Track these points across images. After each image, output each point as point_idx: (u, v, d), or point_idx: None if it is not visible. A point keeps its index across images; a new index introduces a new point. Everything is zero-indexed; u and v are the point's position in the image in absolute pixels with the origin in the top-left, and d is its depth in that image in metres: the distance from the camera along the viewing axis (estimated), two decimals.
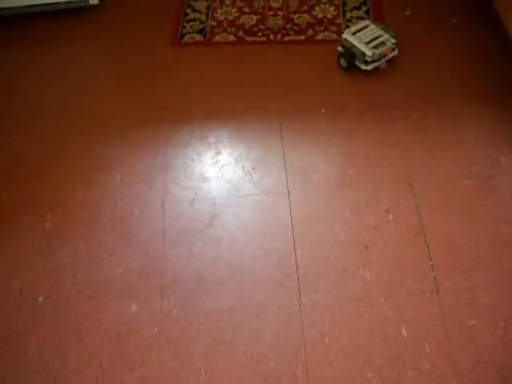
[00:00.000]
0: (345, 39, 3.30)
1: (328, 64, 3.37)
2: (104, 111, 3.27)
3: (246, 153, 2.98)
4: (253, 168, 2.90)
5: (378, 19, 3.55)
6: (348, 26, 3.43)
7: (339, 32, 3.52)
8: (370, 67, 3.27)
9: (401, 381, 2.24)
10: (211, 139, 3.06)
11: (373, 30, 3.33)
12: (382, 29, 3.34)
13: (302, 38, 3.53)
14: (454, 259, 2.57)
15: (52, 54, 3.62)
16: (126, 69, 3.52)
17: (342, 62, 3.31)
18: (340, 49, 3.32)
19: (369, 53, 3.21)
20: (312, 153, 2.95)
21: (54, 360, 2.40)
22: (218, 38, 3.58)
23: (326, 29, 3.57)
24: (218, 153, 2.99)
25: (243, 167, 2.91)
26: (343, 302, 2.46)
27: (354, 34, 3.30)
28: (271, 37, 3.54)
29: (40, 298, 2.56)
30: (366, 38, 3.28)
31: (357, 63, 3.28)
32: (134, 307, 2.50)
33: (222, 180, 2.88)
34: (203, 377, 2.30)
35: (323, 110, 3.12)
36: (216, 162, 2.95)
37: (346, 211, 2.71)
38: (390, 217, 2.68)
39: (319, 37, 3.53)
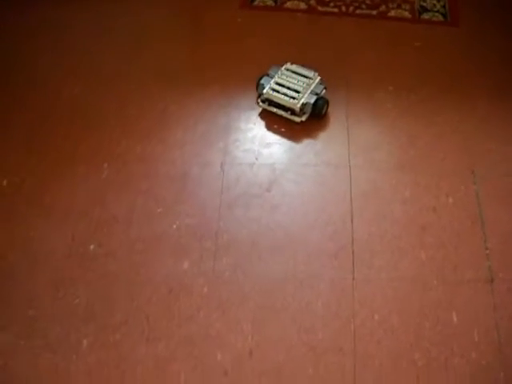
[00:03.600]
0: (308, 96, 2.93)
1: (398, 41, 3.31)
2: (168, 69, 3.26)
3: (310, 122, 2.94)
4: (316, 138, 2.87)
5: (454, 8, 3.48)
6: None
7: (412, 11, 3.45)
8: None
9: (447, 366, 2.21)
10: None
11: (287, 77, 3.01)
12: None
13: (374, 12, 3.48)
14: (510, 251, 2.52)
15: (115, 11, 3.62)
16: (193, 28, 3.49)
17: (325, 108, 2.97)
18: (311, 98, 2.91)
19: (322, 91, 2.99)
20: (376, 130, 2.91)
21: (101, 309, 2.40)
22: (288, 5, 3.54)
23: (399, 6, 3.51)
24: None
25: (306, 136, 2.88)
26: (396, 281, 2.43)
27: (297, 91, 2.95)
28: (343, 8, 3.49)
29: (91, 247, 2.56)
30: (300, 83, 2.98)
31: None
32: (186, 265, 2.50)
33: (284, 147, 2.86)
34: (249, 341, 2.29)
35: (391, 88, 3.07)
36: (279, 128, 2.92)
37: (405, 191, 2.68)
38: (450, 200, 2.64)
39: (392, 13, 3.47)
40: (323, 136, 2.90)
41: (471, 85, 3.10)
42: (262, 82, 2.95)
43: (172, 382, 2.22)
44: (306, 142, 2.87)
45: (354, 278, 2.43)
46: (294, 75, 2.99)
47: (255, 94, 3.02)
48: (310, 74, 3.00)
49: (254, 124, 2.96)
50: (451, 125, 2.91)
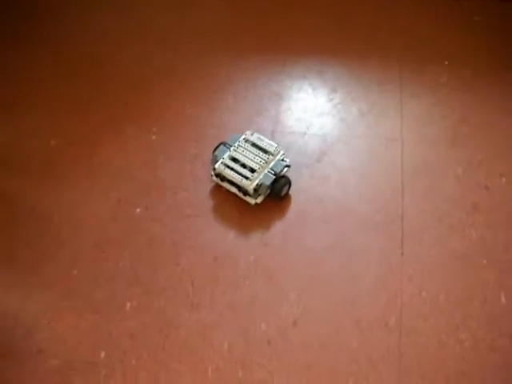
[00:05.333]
0: (269, 171, 2.56)
1: (457, 15, 3.24)
2: (220, 32, 3.24)
3: (363, 94, 2.91)
4: (368, 110, 2.83)
5: None
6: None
7: None
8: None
9: (494, 347, 2.17)
10: (329, 75, 2.99)
11: (244, 150, 2.61)
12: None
13: None
14: None
15: None
16: None
17: (286, 189, 2.60)
18: (268, 179, 2.53)
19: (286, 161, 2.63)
20: (430, 104, 2.85)
21: (145, 273, 2.40)
22: None
23: None
24: (334, 90, 2.91)
25: (359, 108, 2.84)
26: (445, 258, 2.39)
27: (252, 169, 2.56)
28: None
29: (138, 210, 2.56)
30: (257, 159, 2.58)
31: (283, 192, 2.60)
32: (233, 232, 2.50)
33: (336, 118, 2.82)
34: (295, 310, 2.28)
35: (446, 63, 3.01)
36: (331, 99, 2.88)
37: (458, 167, 2.63)
38: (503, 180, 2.58)
39: None
40: (376, 109, 2.86)
41: None
42: (217, 153, 2.61)
43: (215, 349, 2.21)
44: (358, 114, 2.83)
45: (402, 254, 2.39)
46: (252, 148, 2.60)
47: (308, 63, 2.98)
48: (271, 148, 2.59)
49: (307, 94, 2.93)
50: (508, 104, 2.83)
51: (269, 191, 2.54)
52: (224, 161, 2.56)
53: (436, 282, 2.33)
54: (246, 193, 2.54)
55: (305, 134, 2.77)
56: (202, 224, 2.51)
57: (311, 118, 2.82)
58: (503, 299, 2.27)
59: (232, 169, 2.54)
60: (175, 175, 2.65)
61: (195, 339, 2.23)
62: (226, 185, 2.59)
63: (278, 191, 2.54)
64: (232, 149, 2.59)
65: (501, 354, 2.15)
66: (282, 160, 2.59)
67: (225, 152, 2.59)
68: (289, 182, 2.57)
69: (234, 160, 2.57)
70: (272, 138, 2.73)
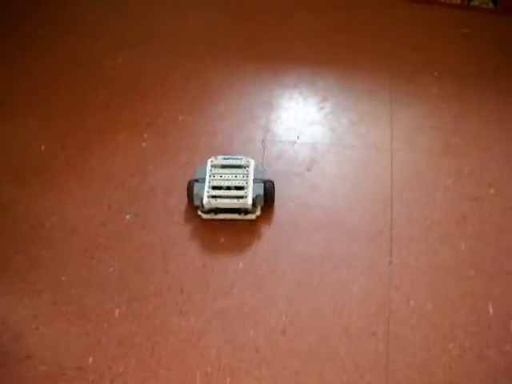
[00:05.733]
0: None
1: (446, 27, 3.25)
2: (214, 39, 3.24)
3: (353, 104, 2.91)
4: (359, 120, 2.84)
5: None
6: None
7: None
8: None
9: (481, 357, 2.18)
10: (319, 84, 2.99)
11: (220, 175, 2.51)
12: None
13: None
14: None
15: None
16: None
17: (273, 191, 2.56)
18: (260, 188, 2.51)
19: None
20: (420, 114, 2.86)
21: (135, 279, 2.41)
22: None
23: None
24: (324, 99, 2.92)
25: (349, 118, 2.85)
26: (434, 268, 2.40)
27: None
28: None
29: (128, 216, 2.56)
30: (239, 177, 2.53)
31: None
32: (222, 240, 2.50)
33: (326, 127, 2.83)
34: (283, 319, 2.28)
35: (436, 74, 3.02)
36: (322, 108, 2.89)
37: (448, 178, 2.64)
38: (492, 191, 2.60)
39: None
40: (366, 119, 2.86)
41: None
42: (196, 191, 2.48)
43: (203, 356, 2.21)
44: (349, 124, 2.84)
45: (391, 262, 2.40)
46: (225, 170, 2.53)
47: (299, 73, 3.00)
48: (242, 161, 2.55)
49: (297, 103, 2.93)
50: (498, 114, 2.85)
51: (263, 200, 2.52)
52: (209, 193, 2.47)
53: (424, 292, 2.34)
54: (246, 212, 2.50)
55: (295, 142, 2.77)
56: (192, 231, 2.52)
57: (301, 127, 2.82)
58: (491, 310, 2.29)
59: (221, 197, 2.47)
60: (166, 182, 2.65)
61: (184, 346, 2.24)
62: (221, 216, 2.51)
63: (271, 195, 2.53)
64: (207, 179, 2.51)
65: (488, 364, 2.17)
66: (258, 167, 2.58)
67: (202, 186, 2.49)
68: (273, 183, 2.55)
69: (217, 188, 2.49)
70: (262, 147, 2.76)
